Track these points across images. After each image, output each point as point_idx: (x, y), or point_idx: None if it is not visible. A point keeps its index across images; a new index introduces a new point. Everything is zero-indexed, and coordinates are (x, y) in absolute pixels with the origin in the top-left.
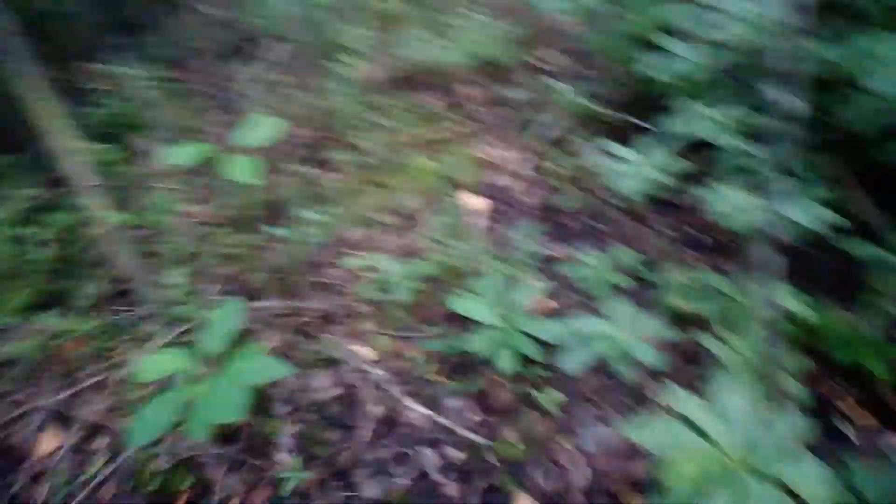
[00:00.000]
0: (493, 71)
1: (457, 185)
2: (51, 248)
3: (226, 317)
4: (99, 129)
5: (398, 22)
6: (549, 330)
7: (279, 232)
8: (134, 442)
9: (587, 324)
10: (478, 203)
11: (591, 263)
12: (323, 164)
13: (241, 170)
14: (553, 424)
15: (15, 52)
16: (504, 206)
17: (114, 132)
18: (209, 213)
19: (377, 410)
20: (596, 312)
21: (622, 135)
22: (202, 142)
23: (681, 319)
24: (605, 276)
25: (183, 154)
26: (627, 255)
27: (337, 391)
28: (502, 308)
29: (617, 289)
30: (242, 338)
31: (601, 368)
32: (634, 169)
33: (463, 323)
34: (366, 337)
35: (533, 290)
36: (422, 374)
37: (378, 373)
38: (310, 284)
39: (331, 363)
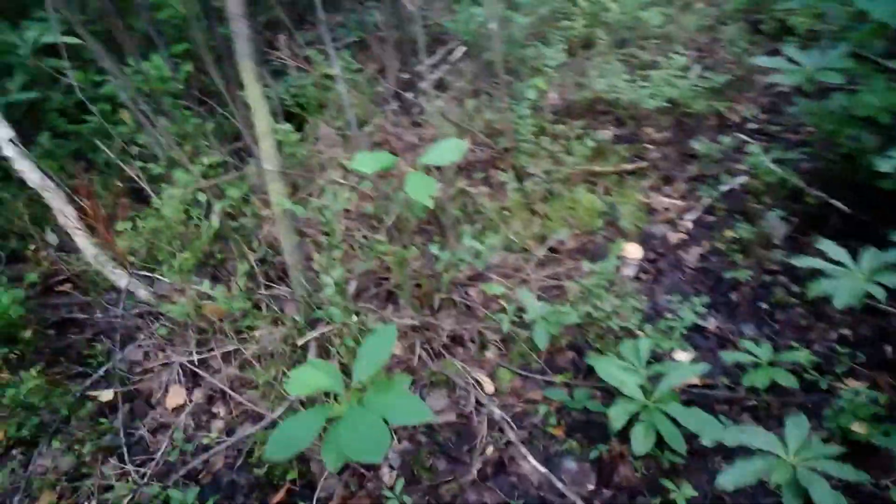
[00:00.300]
0: (680, 115)
1: (615, 228)
2: (218, 218)
3: (378, 344)
4: (281, 107)
5: (589, 48)
6: (698, 420)
7: (433, 250)
8: (271, 455)
9: (756, 437)
10: (632, 250)
11: (755, 353)
12: (486, 183)
13: (420, 189)
14: None
15: (240, 34)
16: (657, 257)
17: (294, 112)
18: (371, 217)
19: (489, 450)
20: (757, 419)
21: (820, 220)
22: (380, 142)
23: (854, 448)
24: (770, 373)
25: (369, 162)
26: (802, 354)
27: (451, 417)
28: (645, 379)
29: (779, 391)
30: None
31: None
32: (844, 275)
33: (593, 379)
34: (488, 367)
35: (685, 371)
36: (539, 423)
37: (495, 410)
38: (445, 301)
39: (449, 386)
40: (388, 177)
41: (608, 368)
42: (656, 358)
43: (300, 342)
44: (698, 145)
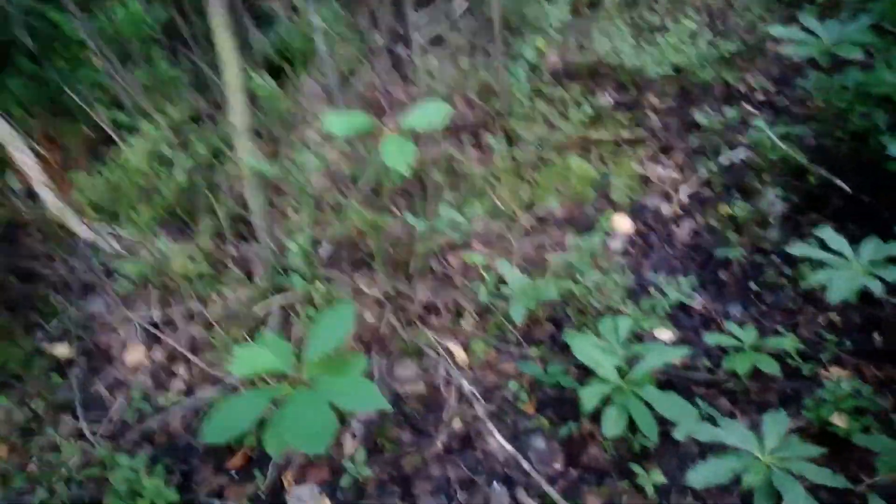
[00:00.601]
0: (685, 83)
1: (606, 199)
2: (185, 173)
3: (334, 322)
4: (263, 57)
5: (596, 7)
6: (672, 406)
7: (410, 218)
8: (207, 439)
9: (732, 433)
10: (622, 222)
11: (739, 336)
12: (476, 147)
13: (396, 155)
14: None
15: None
16: (648, 230)
17: (277, 63)
18: (346, 179)
19: (456, 424)
20: (735, 404)
21: (820, 201)
22: (368, 99)
23: (833, 441)
24: (752, 358)
25: (342, 124)
26: (787, 340)
27: (419, 388)
28: (622, 360)
29: (760, 376)
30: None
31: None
32: (842, 266)
33: (570, 354)
34: (463, 338)
35: (664, 354)
36: (510, 398)
37: (465, 384)
38: (422, 268)
39: (420, 355)
40: (369, 137)
41: (584, 347)
42: (637, 337)
43: (258, 309)
44: (701, 116)
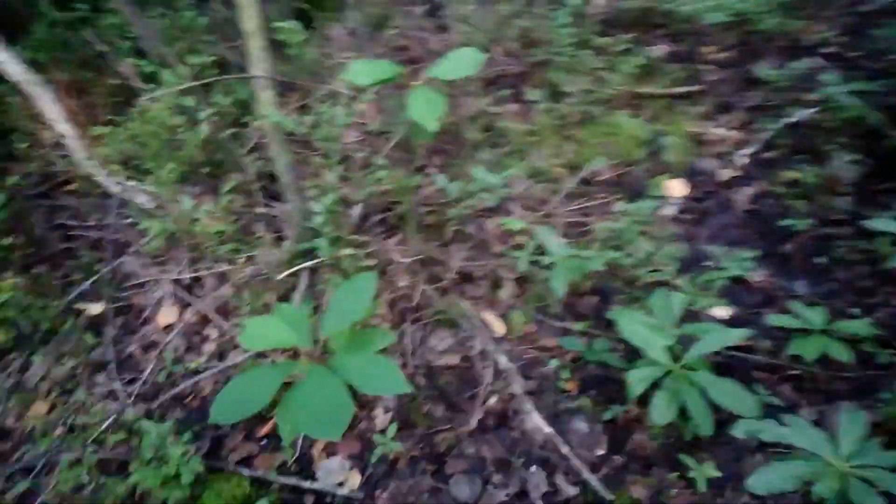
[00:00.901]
0: (746, 33)
1: (658, 160)
2: (206, 126)
3: (354, 294)
4: (290, 5)
5: None
6: (730, 394)
7: (441, 181)
8: (215, 419)
9: (801, 434)
10: (675, 186)
11: (807, 318)
12: (515, 101)
13: (424, 109)
14: (694, 500)
15: None
16: (704, 196)
17: (304, 9)
18: (374, 136)
19: (492, 400)
20: (800, 392)
21: None
22: (400, 47)
23: None
24: (821, 343)
25: (367, 73)
26: (861, 324)
27: (453, 360)
28: (674, 340)
29: (828, 362)
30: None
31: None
32: None
33: (616, 332)
34: (500, 308)
35: (722, 336)
36: (551, 375)
37: (503, 359)
38: (457, 233)
39: (455, 327)
40: (400, 90)
41: (633, 326)
42: (691, 314)
43: (280, 276)
44: (763, 69)
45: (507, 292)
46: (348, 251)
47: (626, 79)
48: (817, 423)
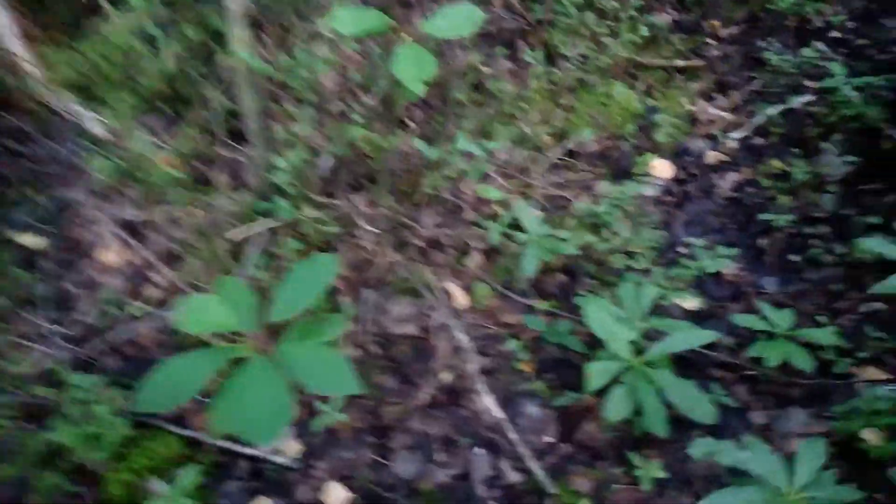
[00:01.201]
0: (757, 9)
1: (648, 137)
2: (173, 58)
3: (311, 275)
4: None
5: None
6: (688, 397)
7: (419, 144)
8: (140, 408)
9: (759, 460)
10: (660, 167)
11: (773, 320)
12: (510, 59)
13: (411, 69)
14: (637, 497)
15: None
16: (688, 178)
17: None
18: (354, 86)
19: (444, 376)
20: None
21: (892, 167)
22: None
23: (859, 460)
24: (784, 349)
25: (352, 21)
26: (825, 333)
27: (411, 330)
28: (639, 333)
29: (790, 371)
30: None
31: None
32: None
33: (581, 315)
34: (466, 279)
35: (689, 338)
36: (508, 354)
37: (460, 334)
38: (430, 197)
39: (417, 295)
40: (386, 41)
41: (599, 314)
42: (659, 305)
43: (232, 235)
44: (769, 51)
45: (474, 262)
46: (313, 213)
47: (627, 46)
48: (766, 428)
